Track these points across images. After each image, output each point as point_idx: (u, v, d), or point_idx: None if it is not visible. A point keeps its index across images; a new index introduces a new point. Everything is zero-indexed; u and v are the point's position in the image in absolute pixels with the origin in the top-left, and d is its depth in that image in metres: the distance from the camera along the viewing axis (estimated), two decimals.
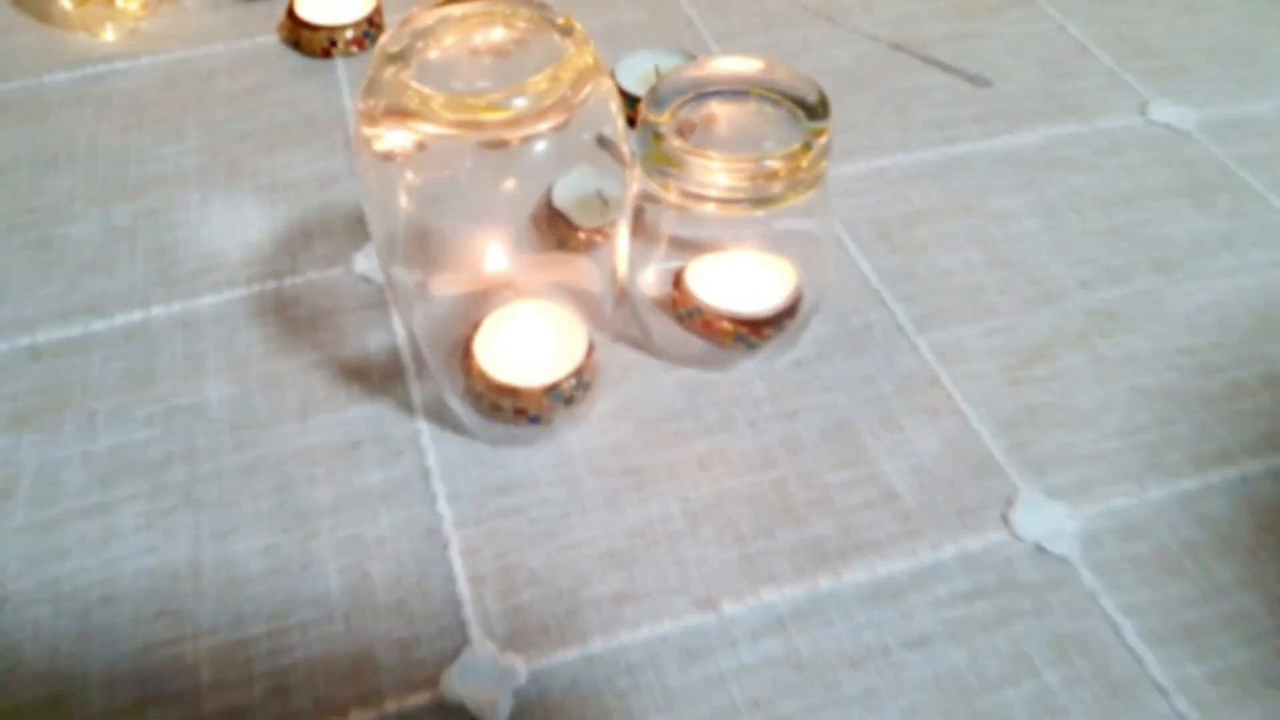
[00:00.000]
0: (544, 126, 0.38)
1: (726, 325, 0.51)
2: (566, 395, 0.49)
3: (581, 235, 0.53)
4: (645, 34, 0.73)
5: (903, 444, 0.49)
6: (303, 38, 0.71)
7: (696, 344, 0.53)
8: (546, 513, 0.46)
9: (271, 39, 0.73)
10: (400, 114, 0.38)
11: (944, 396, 0.51)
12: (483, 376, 0.49)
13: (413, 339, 0.47)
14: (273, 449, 0.48)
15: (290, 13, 0.72)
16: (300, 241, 0.58)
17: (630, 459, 0.48)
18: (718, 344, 0.52)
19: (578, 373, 0.49)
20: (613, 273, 0.49)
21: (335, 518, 0.46)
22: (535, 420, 0.49)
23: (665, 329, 0.54)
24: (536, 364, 0.50)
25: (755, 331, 0.51)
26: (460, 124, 0.37)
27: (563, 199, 0.55)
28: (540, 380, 0.48)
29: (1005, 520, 0.46)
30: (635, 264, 0.55)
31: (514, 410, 0.48)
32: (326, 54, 0.71)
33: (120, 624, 0.42)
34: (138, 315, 0.54)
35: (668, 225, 0.53)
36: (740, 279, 0.53)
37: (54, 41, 0.73)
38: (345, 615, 0.43)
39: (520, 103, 0.37)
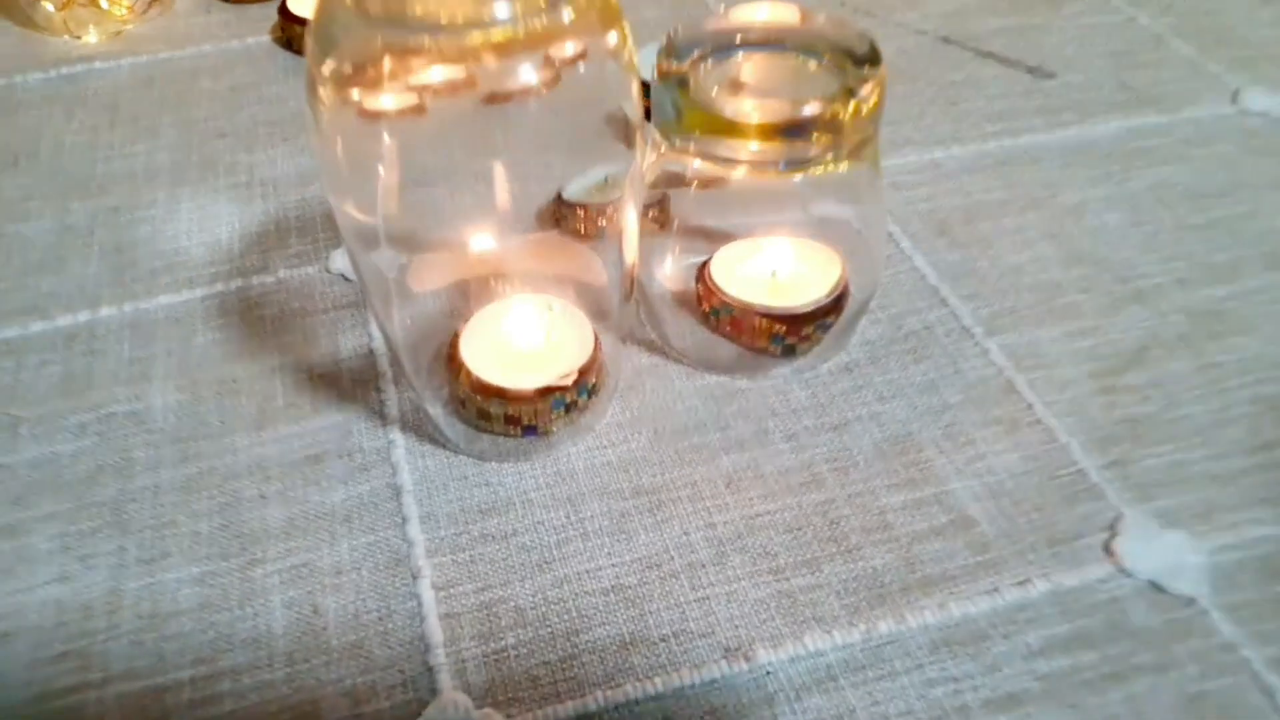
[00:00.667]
0: (537, 66, 0.31)
1: (760, 324, 0.44)
2: (568, 402, 0.41)
3: (582, 216, 0.46)
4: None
5: (975, 461, 0.40)
6: (295, 35, 0.66)
7: (724, 348, 0.45)
8: (540, 539, 0.38)
9: (264, 39, 0.68)
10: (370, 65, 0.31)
11: (1022, 407, 0.42)
12: (469, 379, 0.41)
13: (389, 340, 0.40)
14: (220, 462, 0.41)
15: (283, 9, 0.67)
16: (274, 239, 0.52)
17: (643, 477, 0.40)
18: (749, 347, 0.45)
19: (582, 376, 0.41)
20: (622, 262, 0.41)
21: (286, 542, 0.38)
22: (531, 431, 0.41)
23: (686, 330, 0.46)
24: (533, 366, 0.42)
25: (794, 331, 0.43)
26: (444, 53, 0.31)
27: (572, 192, 0.48)
28: (537, 383, 0.41)
29: (1109, 551, 0.37)
30: (653, 258, 0.47)
31: (505, 418, 0.41)
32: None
33: (14, 666, 0.35)
34: (83, 317, 0.48)
35: (690, 209, 0.46)
36: (776, 270, 0.46)
37: (33, 43, 0.68)
38: (288, 659, 0.35)
39: (502, 9, 0.30)
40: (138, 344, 0.46)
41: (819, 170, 0.39)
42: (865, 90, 0.38)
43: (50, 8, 0.69)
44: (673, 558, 0.38)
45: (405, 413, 0.43)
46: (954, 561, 0.37)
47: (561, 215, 0.48)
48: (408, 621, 0.36)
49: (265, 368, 0.45)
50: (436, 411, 0.42)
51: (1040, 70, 0.62)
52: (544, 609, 0.36)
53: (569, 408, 0.41)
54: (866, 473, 0.40)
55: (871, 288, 0.45)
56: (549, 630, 0.35)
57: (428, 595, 0.37)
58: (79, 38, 0.69)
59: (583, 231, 0.48)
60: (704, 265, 0.46)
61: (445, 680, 0.34)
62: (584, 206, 0.47)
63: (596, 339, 0.43)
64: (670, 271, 0.48)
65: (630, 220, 0.40)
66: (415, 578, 0.37)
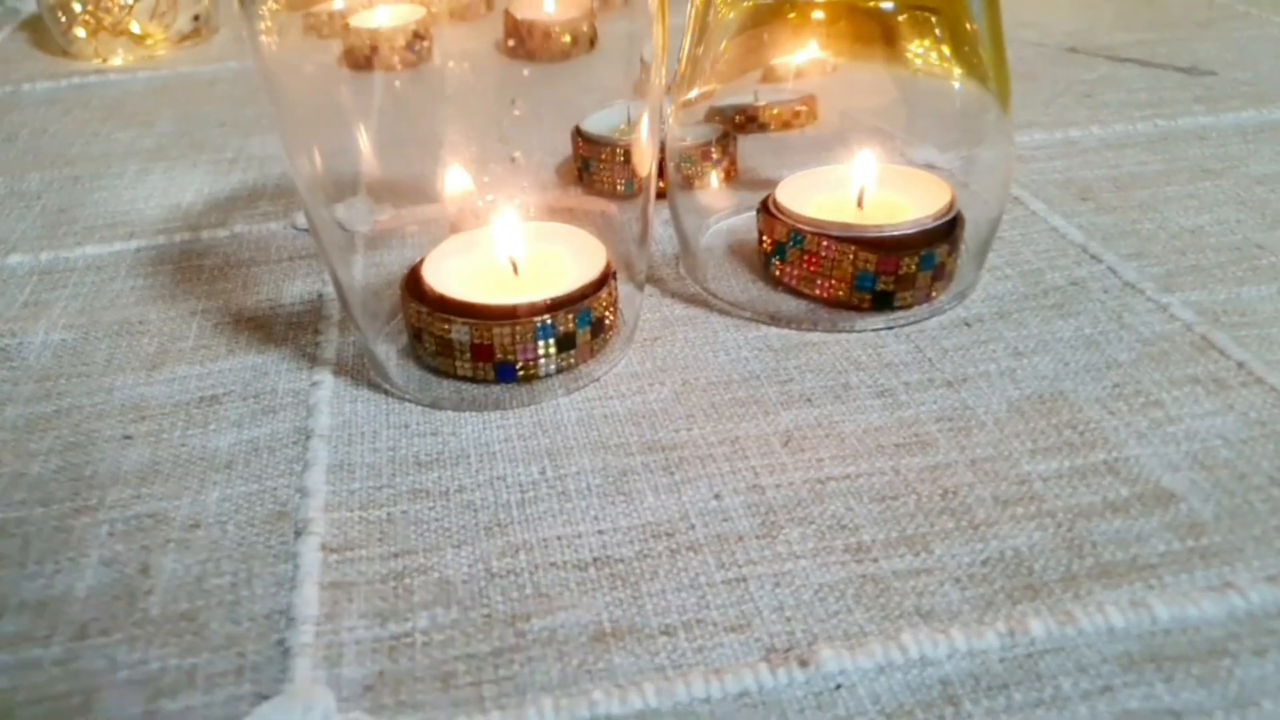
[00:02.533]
0: None
1: (842, 256, 0.32)
2: (560, 332, 0.30)
3: (605, 160, 0.37)
4: None
5: (1164, 425, 0.27)
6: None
7: (790, 304, 0.33)
8: (495, 496, 0.26)
9: None
10: None
11: (1229, 366, 0.29)
12: (427, 297, 0.30)
13: (339, 286, 0.30)
14: (87, 400, 0.31)
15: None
16: (242, 202, 0.43)
17: (659, 431, 0.28)
18: (826, 298, 0.33)
19: (581, 299, 0.30)
20: (643, 207, 0.31)
21: (135, 489, 0.27)
22: (507, 371, 0.30)
23: (740, 284, 0.35)
24: (515, 287, 0.31)
25: (889, 266, 0.32)
26: None
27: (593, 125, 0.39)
28: (516, 300, 0.30)
29: None
30: (707, 207, 0.37)
31: (473, 350, 0.30)
32: (367, 64, 0.60)
33: None
34: (45, 256, 0.39)
35: (755, 152, 0.36)
36: (864, 188, 0.34)
37: (55, 63, 0.65)
38: (76, 631, 0.23)
39: None
40: (41, 290, 0.37)
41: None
42: None
43: (82, 33, 0.66)
44: (693, 526, 0.25)
45: (345, 357, 0.32)
46: (1147, 546, 0.23)
47: (583, 163, 0.38)
48: (270, 590, 0.23)
49: (183, 311, 0.35)
50: (383, 350, 0.31)
51: (1197, 69, 0.52)
52: (482, 583, 0.23)
53: (562, 343, 0.30)
54: (997, 434, 0.27)
55: (994, 219, 0.33)
56: (484, 612, 0.23)
57: (311, 558, 0.24)
58: (106, 60, 0.66)
59: (606, 181, 0.38)
60: (767, 199, 0.35)
61: (303, 669, 0.21)
62: (606, 146, 0.37)
63: (609, 264, 0.32)
64: (729, 224, 0.37)
65: (646, 155, 0.31)
66: (298, 534, 0.25)
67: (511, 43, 0.44)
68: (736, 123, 0.41)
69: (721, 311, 0.34)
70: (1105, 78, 0.52)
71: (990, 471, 0.26)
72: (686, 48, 0.34)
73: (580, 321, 0.30)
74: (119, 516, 0.26)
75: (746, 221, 0.36)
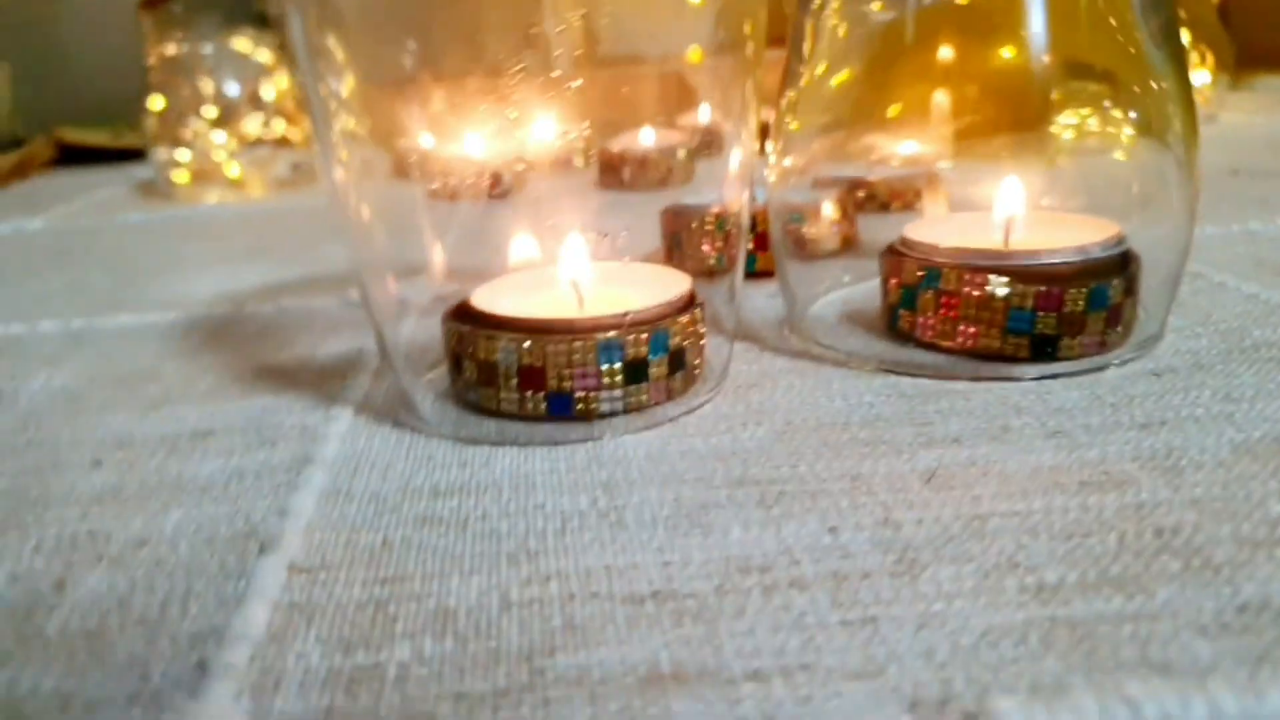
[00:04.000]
0: None
1: (991, 295, 0.26)
2: (629, 358, 0.24)
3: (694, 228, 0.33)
4: None
5: None
6: None
7: (924, 358, 0.27)
8: (526, 525, 0.20)
9: None
10: None
11: None
12: (473, 316, 0.26)
13: (383, 340, 0.26)
14: (65, 433, 0.26)
15: None
16: (297, 285, 0.40)
17: (752, 468, 0.22)
18: (972, 348, 0.27)
19: (661, 324, 0.25)
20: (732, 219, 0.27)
21: (85, 509, 0.22)
22: (561, 403, 0.24)
23: (861, 339, 0.29)
24: (578, 308, 0.26)
25: (1051, 302, 0.26)
26: None
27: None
28: (579, 320, 0.25)
29: None
30: (809, 282, 0.32)
31: (521, 374, 0.24)
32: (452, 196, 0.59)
33: None
34: (15, 329, 0.37)
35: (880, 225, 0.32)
36: (1012, 218, 0.29)
37: (153, 204, 0.66)
38: None
39: None
40: (62, 347, 0.34)
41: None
42: None
43: (185, 177, 0.68)
44: (797, 561, 0.18)
45: (373, 399, 0.27)
46: None
47: (673, 238, 0.34)
48: (209, 609, 0.17)
49: (202, 365, 0.31)
50: (419, 389, 0.26)
51: None
52: (494, 613, 0.17)
53: (631, 371, 0.24)
54: (1223, 475, 0.20)
55: (1174, 273, 0.27)
56: (490, 645, 0.16)
57: (270, 576, 0.18)
58: (202, 201, 0.67)
59: (697, 254, 0.34)
60: (894, 244, 0.30)
61: (220, 696, 0.15)
62: (697, 215, 0.33)
63: (694, 292, 0.27)
64: (845, 295, 0.32)
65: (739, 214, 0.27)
66: (262, 551, 0.19)
67: (607, 176, 0.42)
68: (853, 198, 0.37)
69: (836, 363, 0.28)
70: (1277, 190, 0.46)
71: (1223, 511, 0.19)
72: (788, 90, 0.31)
73: (655, 346, 0.25)
74: (52, 534, 0.21)
75: (867, 292, 0.31)
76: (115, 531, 0.21)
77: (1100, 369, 0.26)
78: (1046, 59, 0.29)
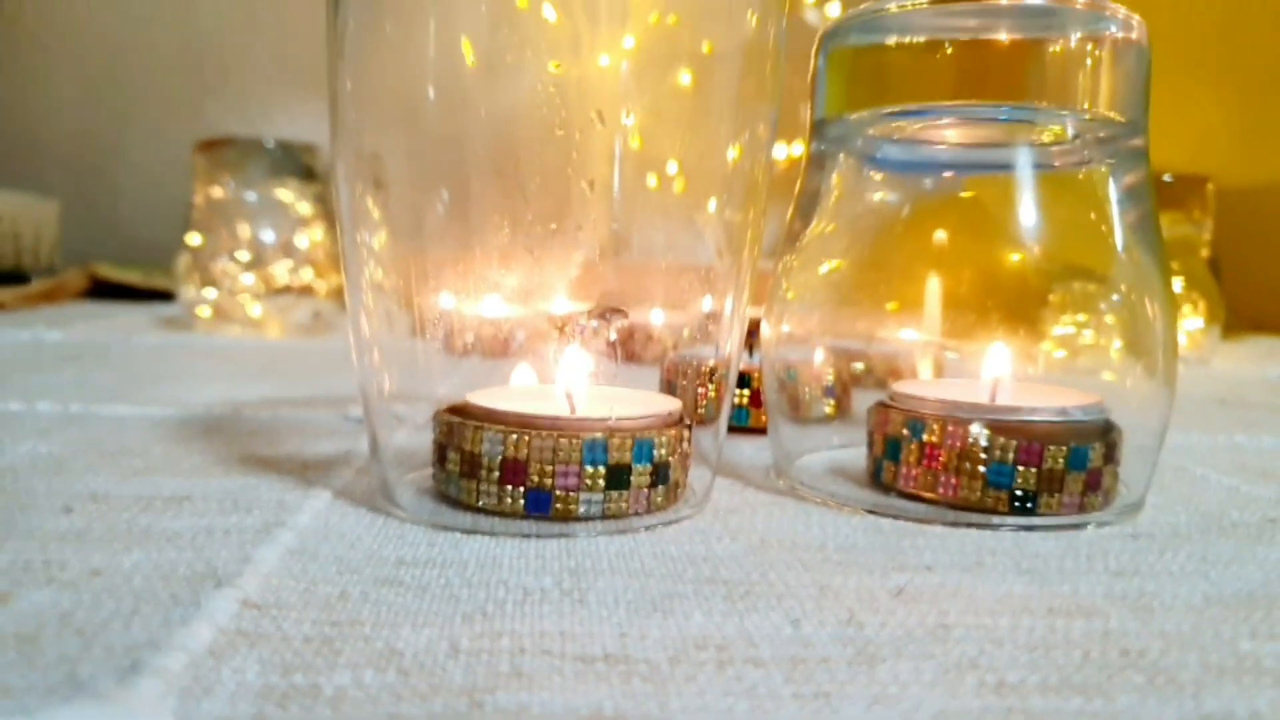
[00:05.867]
0: None
1: (973, 447, 0.27)
2: (612, 463, 0.25)
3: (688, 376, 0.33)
4: None
5: None
6: None
7: (905, 509, 0.28)
8: (489, 594, 0.20)
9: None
10: None
11: None
12: (455, 409, 0.26)
13: (375, 440, 0.26)
14: (40, 486, 0.26)
15: None
16: (300, 402, 0.41)
17: (722, 571, 0.22)
18: (951, 499, 0.27)
19: (647, 433, 0.25)
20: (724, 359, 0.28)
21: (43, 544, 0.22)
22: (540, 500, 0.24)
23: (846, 487, 0.29)
24: (572, 414, 0.27)
25: (1031, 457, 0.26)
26: None
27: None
28: (568, 419, 0.25)
29: None
30: (798, 439, 0.33)
31: (503, 468, 0.25)
32: (465, 352, 0.61)
33: None
34: (43, 406, 0.37)
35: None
36: (998, 379, 0.30)
37: (172, 332, 0.68)
38: None
39: None
40: (53, 426, 0.34)
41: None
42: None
43: (206, 312, 0.70)
44: (756, 645, 0.18)
45: (354, 488, 0.27)
46: None
47: (667, 386, 0.35)
48: (151, 626, 0.17)
49: (190, 449, 0.31)
50: (401, 482, 0.26)
51: None
52: (438, 656, 0.17)
53: (612, 477, 0.25)
54: (1194, 618, 0.20)
55: (1161, 422, 0.28)
56: (434, 680, 0.16)
57: (220, 605, 0.18)
58: (220, 332, 0.69)
59: (690, 399, 0.34)
60: (879, 403, 0.30)
61: (148, 690, 0.14)
62: (692, 364, 0.35)
63: (684, 412, 0.27)
64: (834, 455, 0.33)
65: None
66: (217, 586, 0.19)
67: (616, 347, 0.44)
68: (849, 369, 0.38)
69: (819, 503, 0.28)
70: (1267, 418, 0.47)
71: (1192, 643, 0.18)
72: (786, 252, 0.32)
73: (638, 454, 0.25)
74: (5, 560, 0.20)
75: (855, 453, 0.32)
76: (72, 562, 0.20)
77: (1078, 527, 0.26)
78: (1037, 253, 0.31)
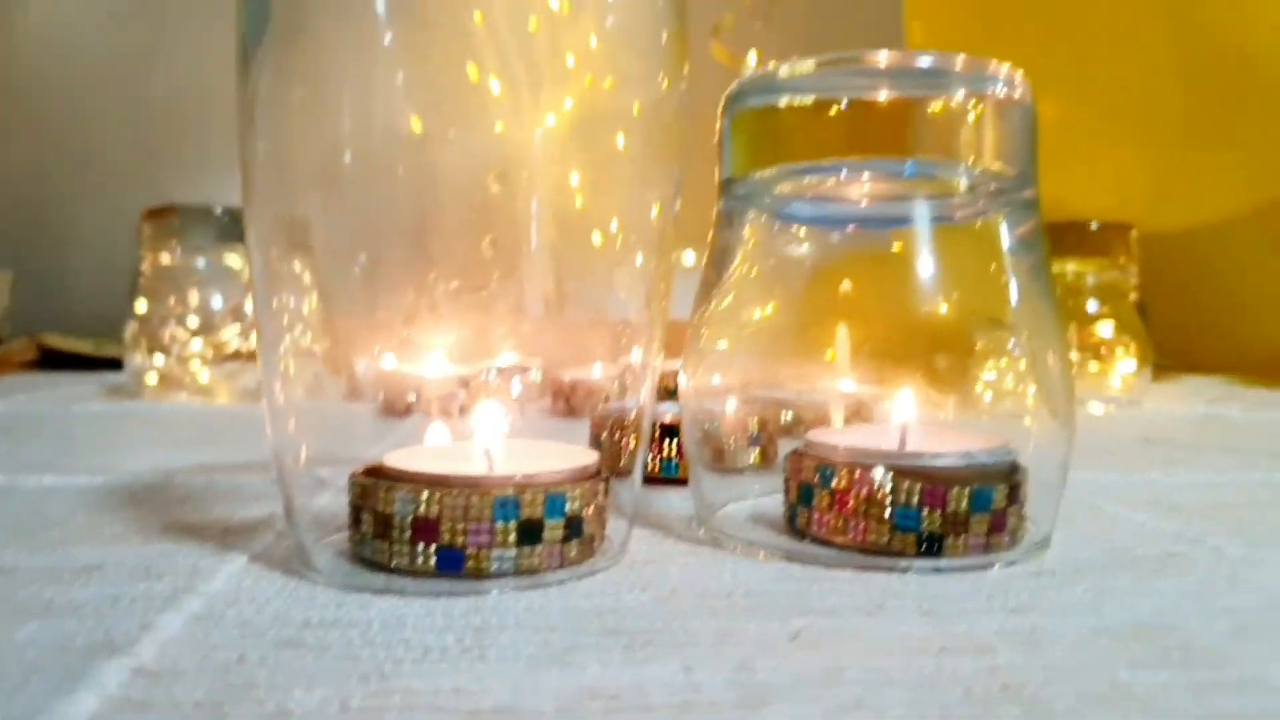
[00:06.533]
0: None
1: (880, 493, 0.27)
2: (523, 519, 0.25)
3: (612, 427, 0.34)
4: None
5: None
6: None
7: (817, 554, 0.28)
8: (388, 653, 0.20)
9: None
10: None
11: None
12: (376, 472, 0.26)
13: (291, 506, 0.26)
14: None
15: None
16: (236, 467, 0.41)
17: (627, 621, 0.22)
18: (861, 543, 0.28)
19: (559, 488, 0.25)
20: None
21: None
22: (451, 560, 0.25)
23: (764, 534, 0.30)
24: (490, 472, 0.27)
25: (937, 499, 0.27)
26: None
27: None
28: (479, 477, 0.25)
29: None
30: (720, 489, 0.33)
31: (415, 526, 0.25)
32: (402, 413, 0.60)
33: None
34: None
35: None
36: (906, 424, 0.30)
37: (116, 399, 0.67)
38: None
39: None
40: None
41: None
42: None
43: (153, 379, 0.70)
44: (648, 693, 0.18)
45: (273, 551, 0.27)
46: None
47: (594, 440, 0.35)
48: (35, 697, 0.17)
49: (109, 517, 0.31)
50: (317, 546, 0.26)
51: None
52: (329, 715, 0.16)
53: (524, 532, 0.25)
54: (1077, 652, 0.20)
55: (1063, 460, 0.29)
56: None
57: (112, 676, 0.18)
58: (168, 400, 0.68)
59: (613, 452, 0.35)
60: (796, 450, 0.31)
61: None
62: (617, 416, 0.35)
63: (601, 465, 0.28)
64: (756, 504, 0.33)
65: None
66: (110, 656, 0.19)
67: (557, 403, 0.44)
68: (775, 417, 0.38)
69: (736, 552, 0.28)
70: (1186, 458, 0.48)
71: (1073, 675, 0.19)
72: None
73: (550, 509, 0.25)
74: None
75: (776, 501, 0.32)
76: None
77: (985, 567, 0.26)
78: (945, 302, 0.32)
